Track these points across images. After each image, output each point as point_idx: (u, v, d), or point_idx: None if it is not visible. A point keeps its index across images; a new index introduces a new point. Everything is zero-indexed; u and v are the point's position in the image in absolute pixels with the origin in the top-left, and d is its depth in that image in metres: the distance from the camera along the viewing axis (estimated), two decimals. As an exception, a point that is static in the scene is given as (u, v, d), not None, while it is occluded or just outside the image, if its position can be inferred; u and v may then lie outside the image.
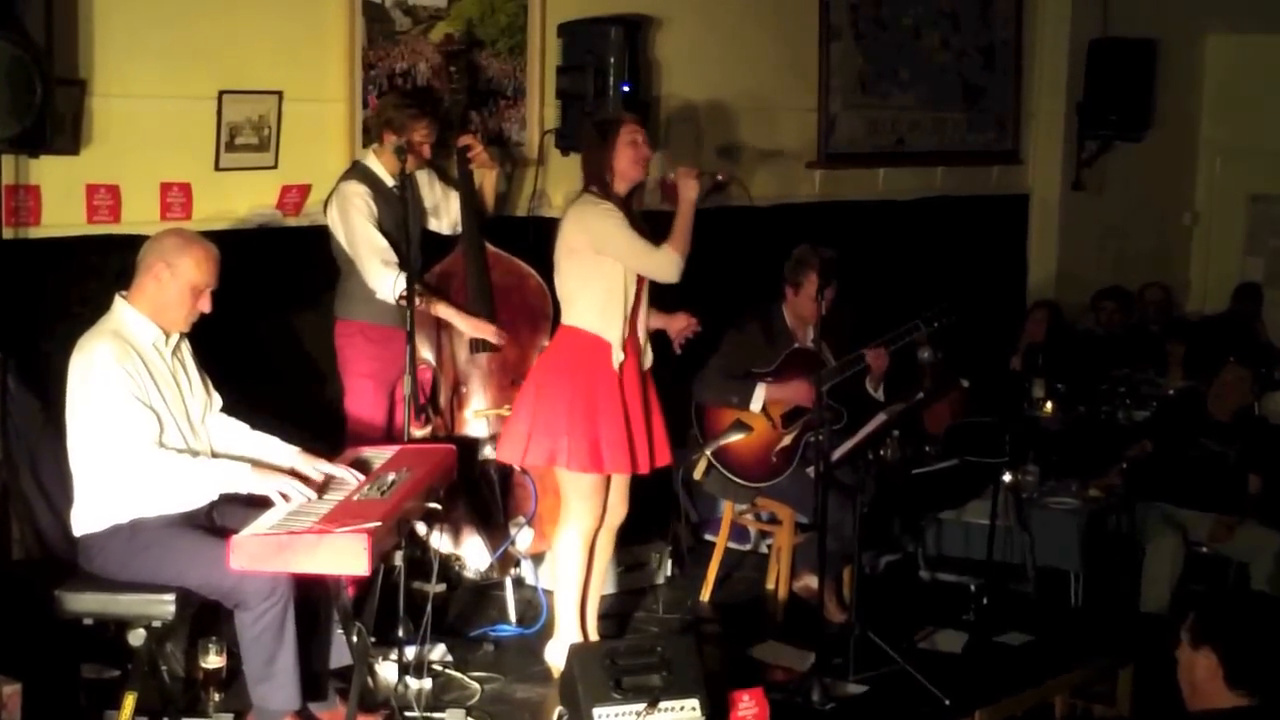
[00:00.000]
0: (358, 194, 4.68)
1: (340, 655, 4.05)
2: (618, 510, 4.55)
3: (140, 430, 3.71)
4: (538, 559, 5.06)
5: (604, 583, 4.74)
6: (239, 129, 4.80)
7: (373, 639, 4.04)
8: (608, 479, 4.43)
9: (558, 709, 4.11)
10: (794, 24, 6.74)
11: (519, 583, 5.01)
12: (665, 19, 6.05)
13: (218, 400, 4.07)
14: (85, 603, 3.75)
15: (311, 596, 3.85)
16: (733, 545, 5.57)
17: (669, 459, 4.56)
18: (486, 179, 5.07)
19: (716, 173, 4.65)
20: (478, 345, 4.87)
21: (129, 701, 3.72)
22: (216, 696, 4.10)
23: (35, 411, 4.25)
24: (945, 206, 7.57)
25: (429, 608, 4.16)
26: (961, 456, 5.70)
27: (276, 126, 4.87)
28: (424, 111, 4.75)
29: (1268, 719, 2.77)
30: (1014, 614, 5.11)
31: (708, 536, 5.73)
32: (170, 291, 3.82)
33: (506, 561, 4.88)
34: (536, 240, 5.00)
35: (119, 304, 3.85)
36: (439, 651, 4.50)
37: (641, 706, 3.86)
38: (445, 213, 5.04)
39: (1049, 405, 6.77)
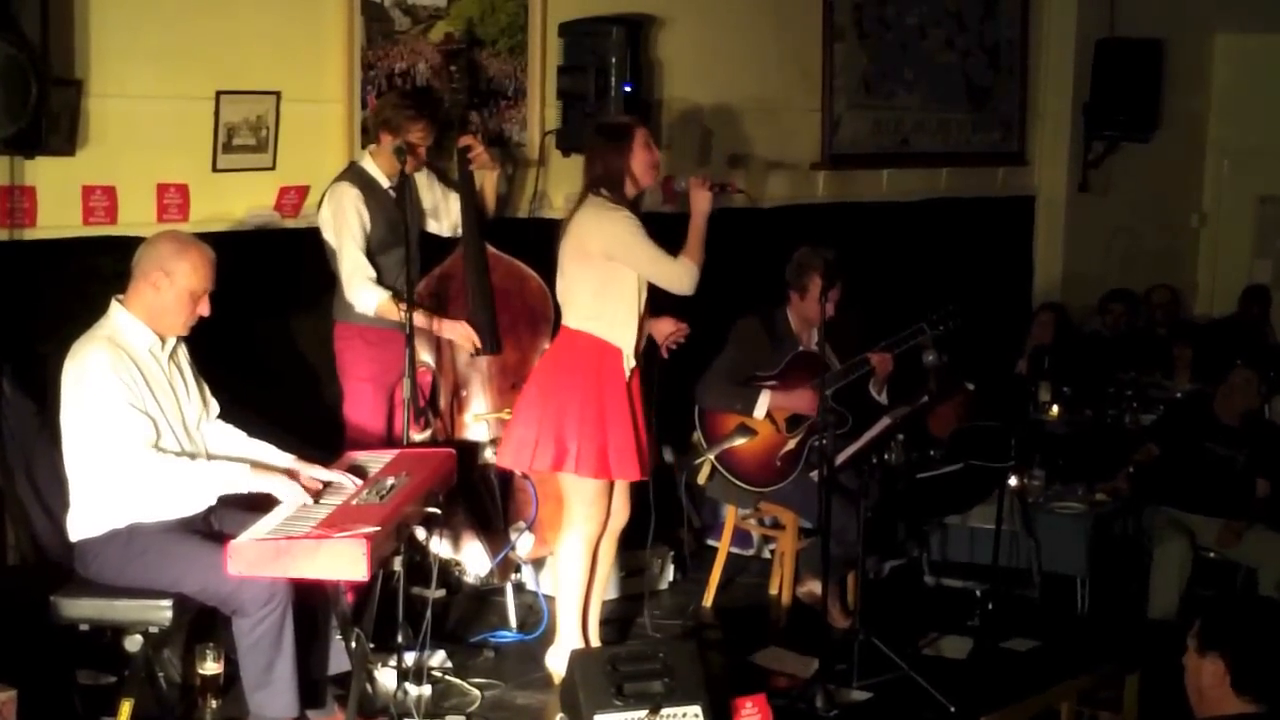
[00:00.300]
0: (348, 197, 4.67)
1: (339, 662, 4.04)
2: (620, 515, 4.54)
3: (135, 434, 3.69)
4: (538, 564, 5.04)
5: (605, 588, 4.72)
6: (236, 130, 4.78)
7: (372, 645, 4.03)
8: (611, 484, 4.42)
9: (559, 715, 4.11)
10: (797, 23, 6.73)
11: (520, 588, 5.00)
12: (667, 19, 6.03)
13: (214, 406, 4.06)
14: (81, 608, 3.74)
15: (310, 602, 3.84)
16: (735, 550, 5.58)
17: (654, 463, 4.56)
18: (487, 180, 5.04)
19: (726, 182, 4.64)
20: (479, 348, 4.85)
21: (125, 708, 3.70)
22: (214, 703, 4.08)
23: (31, 415, 4.23)
24: (950, 208, 7.55)
25: (429, 613, 4.15)
26: (966, 460, 5.70)
27: (274, 127, 4.85)
28: (421, 113, 4.72)
29: (1276, 727, 2.75)
30: (1019, 620, 5.12)
31: (710, 541, 5.73)
32: (168, 298, 3.81)
33: (507, 567, 4.87)
34: (537, 241, 4.97)
35: (115, 309, 3.84)
36: (439, 658, 4.49)
37: (643, 713, 3.86)
38: (445, 215, 5.01)
39: (1055, 409, 6.77)
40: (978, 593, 5.21)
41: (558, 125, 5.64)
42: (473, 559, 4.79)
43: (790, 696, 4.34)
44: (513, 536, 4.79)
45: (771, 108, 6.58)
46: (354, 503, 3.76)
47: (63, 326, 4.02)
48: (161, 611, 3.69)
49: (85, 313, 3.93)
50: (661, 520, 4.79)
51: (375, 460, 4.17)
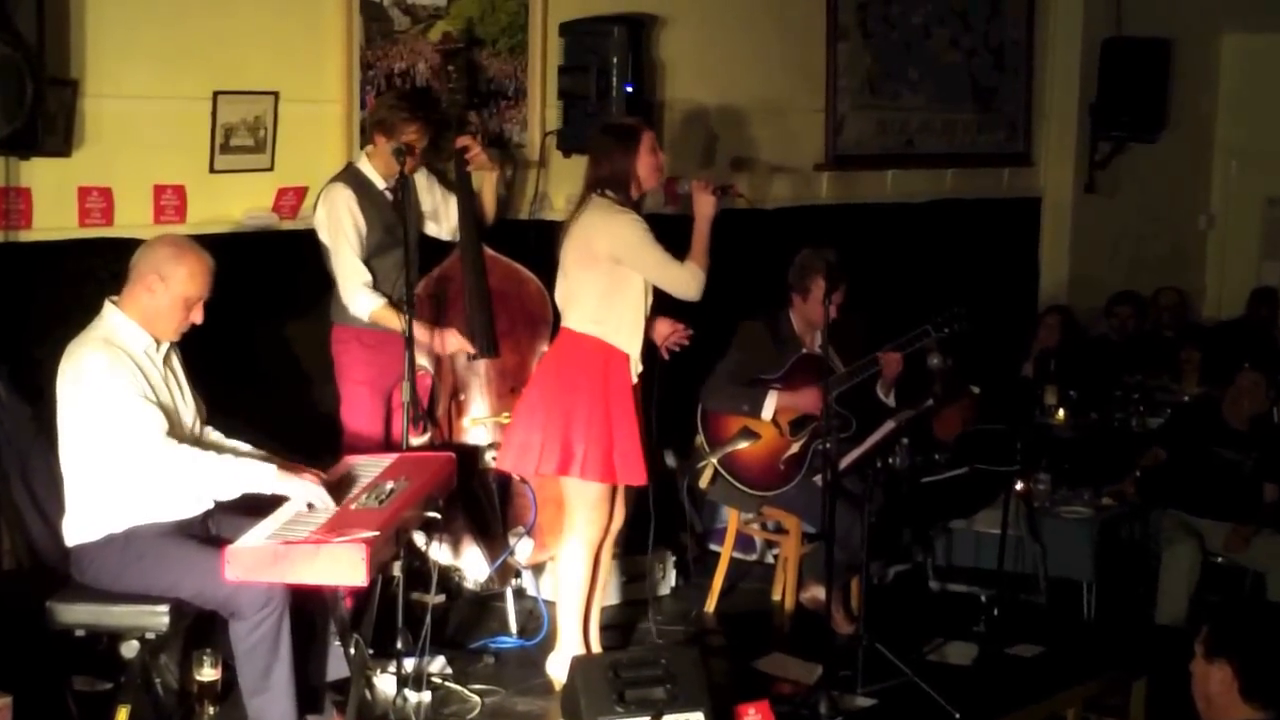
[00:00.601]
0: (342, 198, 4.65)
1: (337, 668, 4.02)
2: (618, 517, 4.52)
3: (149, 425, 3.67)
4: (537, 569, 5.01)
5: (605, 593, 4.70)
6: (234, 130, 4.76)
7: (370, 651, 4.02)
8: (613, 489, 4.40)
9: (559, 722, 4.08)
10: (800, 23, 6.70)
11: (520, 594, 4.99)
12: (669, 18, 6.01)
13: (202, 411, 4.04)
14: (77, 614, 3.74)
15: (308, 608, 3.83)
16: (738, 555, 5.57)
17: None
18: (487, 182, 5.01)
19: (729, 185, 4.62)
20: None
21: (122, 715, 3.70)
22: (211, 710, 4.06)
23: (26, 419, 4.20)
24: (955, 209, 7.53)
25: (428, 619, 4.12)
26: (972, 464, 5.68)
27: (272, 128, 4.83)
28: (415, 113, 4.70)
29: (1284, 733, 2.74)
30: (1025, 625, 5.11)
31: (713, 546, 5.72)
32: (162, 302, 3.80)
33: (506, 572, 4.85)
34: (538, 244, 4.94)
35: (109, 309, 3.83)
36: (438, 664, 4.47)
37: (645, 720, 3.82)
38: (444, 217, 4.99)
39: (1061, 412, 6.75)
40: (983, 598, 5.21)
41: (558, 126, 5.62)
42: (471, 564, 4.77)
43: (794, 703, 4.32)
44: (512, 541, 4.76)
45: (774, 108, 6.56)
46: (353, 507, 3.75)
47: (58, 329, 4.00)
48: (158, 617, 3.68)
49: (81, 315, 3.91)
50: (663, 525, 4.77)
51: (374, 464, 4.15)
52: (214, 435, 4.01)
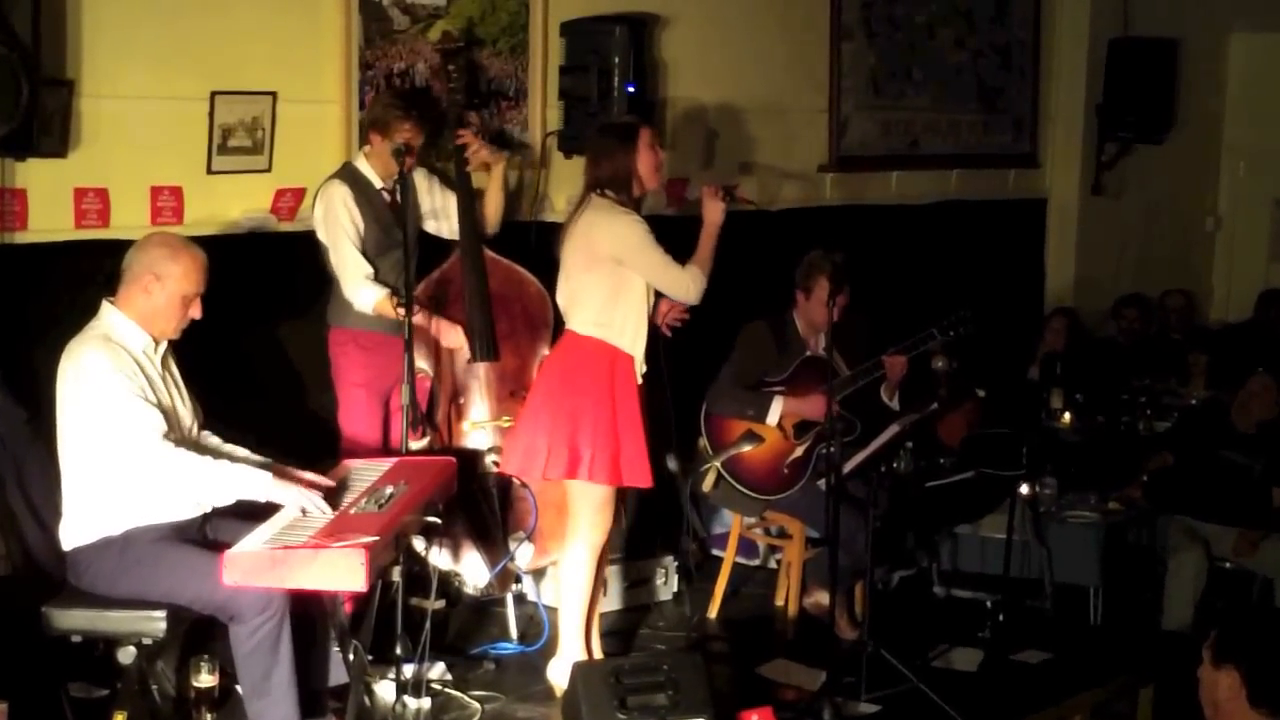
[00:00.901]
0: (338, 195, 4.64)
1: (337, 673, 4.02)
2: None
3: (147, 425, 3.67)
4: (538, 575, 4.99)
5: (604, 598, 4.68)
6: (232, 131, 4.75)
7: (370, 657, 4.00)
8: (616, 491, 4.38)
9: (560, 729, 4.06)
10: (804, 23, 6.68)
11: (520, 599, 4.97)
12: (670, 18, 5.99)
13: (199, 414, 4.03)
14: (73, 619, 3.73)
15: (307, 613, 3.83)
16: (741, 560, 5.56)
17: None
18: (494, 179, 4.98)
19: (733, 185, 4.60)
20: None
21: (118, 721, 3.69)
22: (209, 716, 4.04)
23: (22, 423, 4.20)
24: (960, 211, 7.51)
25: (428, 625, 4.12)
26: (977, 469, 5.66)
27: (270, 128, 4.82)
28: (409, 112, 4.68)
29: (1292, 740, 2.73)
30: (1031, 631, 5.11)
31: (715, 551, 5.72)
32: (159, 301, 3.80)
33: (506, 577, 4.83)
34: (539, 245, 4.91)
35: (107, 309, 3.82)
36: (438, 670, 4.46)
37: (647, 727, 3.83)
38: (445, 216, 4.97)
39: (1067, 416, 6.73)
40: (988, 603, 5.19)
41: (559, 126, 5.60)
42: (471, 569, 4.74)
43: (797, 709, 4.33)
44: (512, 546, 4.73)
45: (778, 109, 6.54)
46: (352, 511, 3.73)
47: (54, 332, 3.99)
48: (155, 622, 3.68)
49: (78, 318, 3.90)
50: (665, 530, 4.75)
51: (373, 468, 4.14)
52: (211, 439, 4.00)
